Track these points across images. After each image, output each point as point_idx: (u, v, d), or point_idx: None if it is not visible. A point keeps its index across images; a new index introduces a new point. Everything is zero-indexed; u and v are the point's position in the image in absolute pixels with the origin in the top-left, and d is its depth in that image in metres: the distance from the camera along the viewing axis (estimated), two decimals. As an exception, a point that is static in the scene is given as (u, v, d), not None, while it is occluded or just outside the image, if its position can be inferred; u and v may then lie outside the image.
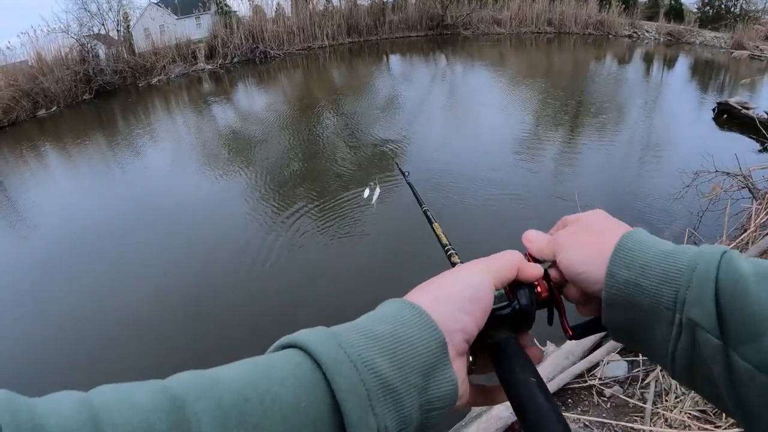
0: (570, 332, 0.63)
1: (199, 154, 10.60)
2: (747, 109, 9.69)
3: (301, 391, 0.41)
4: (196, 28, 24.77)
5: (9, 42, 22.52)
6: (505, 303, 0.59)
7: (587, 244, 0.61)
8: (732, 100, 10.08)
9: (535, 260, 0.66)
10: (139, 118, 15.14)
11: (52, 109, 17.67)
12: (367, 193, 6.10)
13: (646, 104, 11.94)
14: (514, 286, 0.60)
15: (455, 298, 0.53)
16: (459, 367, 0.51)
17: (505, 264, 0.59)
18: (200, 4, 25.57)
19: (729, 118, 9.94)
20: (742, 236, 4.00)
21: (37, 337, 4.96)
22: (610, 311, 0.57)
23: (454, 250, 0.81)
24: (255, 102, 15.80)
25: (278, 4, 24.68)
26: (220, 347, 4.24)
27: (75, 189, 9.82)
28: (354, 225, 6.28)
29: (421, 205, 1.03)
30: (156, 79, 20.06)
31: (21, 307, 5.56)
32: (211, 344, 4.35)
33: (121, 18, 22.67)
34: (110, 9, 22.20)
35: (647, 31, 24.40)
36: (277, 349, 0.47)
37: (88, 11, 21.53)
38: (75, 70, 18.57)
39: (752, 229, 3.92)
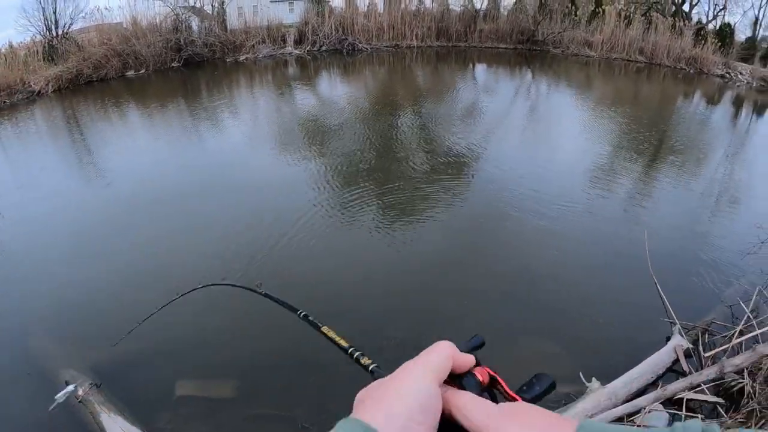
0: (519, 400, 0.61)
1: (274, 132, 10.49)
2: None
3: None
4: (288, 13, 25.01)
5: (108, 3, 23.29)
6: None
7: None
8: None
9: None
10: (223, 91, 15.23)
11: (141, 72, 18.03)
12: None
13: (729, 150, 11.12)
14: (457, 378, 0.61)
15: (408, 413, 0.52)
16: None
17: (442, 359, 0.58)
18: (295, -9, 25.88)
19: (816, 175, 8.95)
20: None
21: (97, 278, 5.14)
22: None
23: (359, 351, 0.74)
24: (337, 92, 15.65)
25: (371, -1, 24.73)
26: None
27: (150, 148, 9.84)
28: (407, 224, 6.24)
29: (296, 312, 0.94)
30: (244, 57, 20.28)
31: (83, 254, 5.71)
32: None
33: (217, -6, 23.05)
34: (208, -17, 22.64)
35: (740, 74, 22.86)
36: None
37: (186, -17, 22.01)
38: (167, 38, 18.94)
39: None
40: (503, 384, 0.63)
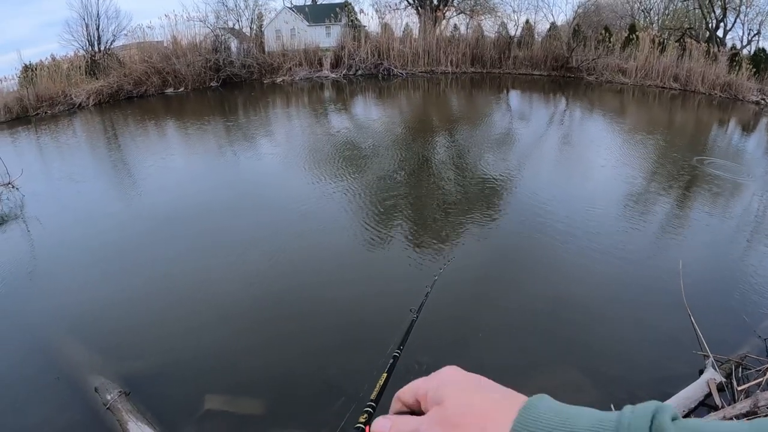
0: None
1: (307, 153, 10.50)
2: None
3: None
4: (325, 37, 25.42)
5: (150, 22, 23.97)
6: None
7: None
8: None
9: None
10: (259, 112, 15.44)
11: (180, 90, 18.48)
12: None
13: (765, 179, 10.85)
14: None
15: None
16: None
17: None
18: (332, 15, 26.25)
19: None
20: None
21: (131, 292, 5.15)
22: None
23: (371, 409, 0.69)
24: (371, 115, 15.68)
25: (407, 25, 24.95)
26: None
27: (186, 163, 9.97)
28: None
29: (399, 345, 0.94)
30: (281, 79, 20.68)
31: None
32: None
33: (256, 17, 23.57)
34: (246, 7, 23.21)
35: (776, 100, 22.50)
36: None
37: (226, 6, 22.58)
38: (206, 58, 19.43)
39: None
40: None
